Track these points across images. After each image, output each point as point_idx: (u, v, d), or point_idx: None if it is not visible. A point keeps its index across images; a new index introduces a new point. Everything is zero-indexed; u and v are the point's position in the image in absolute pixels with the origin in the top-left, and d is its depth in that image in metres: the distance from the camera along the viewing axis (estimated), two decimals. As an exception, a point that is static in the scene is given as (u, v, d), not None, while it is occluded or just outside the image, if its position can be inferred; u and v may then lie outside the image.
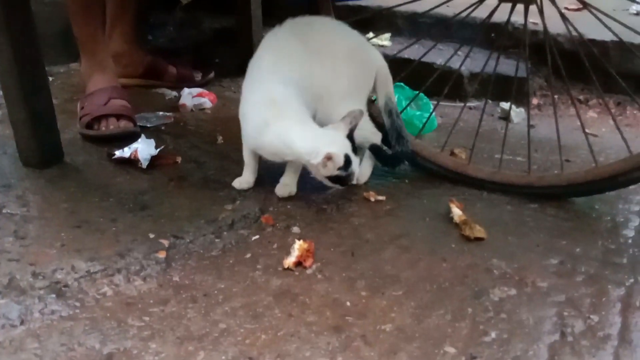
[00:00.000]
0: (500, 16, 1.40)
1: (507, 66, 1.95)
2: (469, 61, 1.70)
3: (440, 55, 1.95)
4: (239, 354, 0.88)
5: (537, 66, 1.98)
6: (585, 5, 1.28)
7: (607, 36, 1.24)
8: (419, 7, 2.06)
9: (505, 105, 1.87)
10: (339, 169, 1.18)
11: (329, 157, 1.16)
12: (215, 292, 1.01)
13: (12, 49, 1.25)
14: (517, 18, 1.36)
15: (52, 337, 0.89)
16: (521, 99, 1.92)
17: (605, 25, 1.26)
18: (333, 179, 1.21)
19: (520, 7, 1.32)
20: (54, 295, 0.97)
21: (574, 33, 1.33)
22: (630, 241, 1.21)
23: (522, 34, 1.91)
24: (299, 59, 1.28)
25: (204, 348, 0.89)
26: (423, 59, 1.86)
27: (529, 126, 1.44)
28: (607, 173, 1.27)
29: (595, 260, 1.14)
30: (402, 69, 1.58)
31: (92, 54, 1.71)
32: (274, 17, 2.12)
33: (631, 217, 1.30)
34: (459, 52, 2.03)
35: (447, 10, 1.79)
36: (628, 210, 1.32)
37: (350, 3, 2.17)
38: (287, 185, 1.31)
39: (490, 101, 1.94)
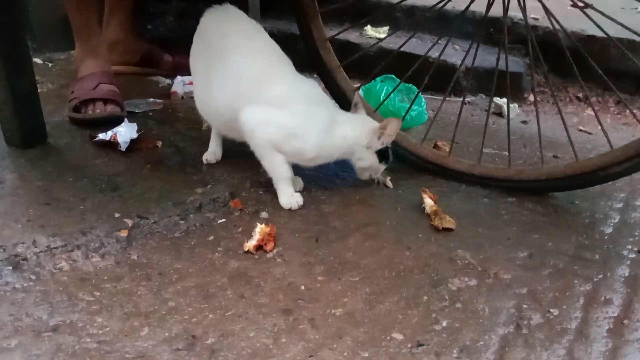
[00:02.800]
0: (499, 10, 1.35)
1: (503, 61, 1.93)
2: (464, 55, 1.67)
3: (437, 49, 1.93)
4: (183, 332, 0.88)
5: (535, 62, 1.94)
6: (586, 5, 1.23)
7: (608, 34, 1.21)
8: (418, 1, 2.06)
9: (499, 100, 1.83)
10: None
11: (383, 127, 1.21)
12: (171, 271, 1.01)
13: (-5, 29, 1.27)
14: (517, 13, 1.33)
15: (2, 307, 0.90)
16: (517, 95, 1.89)
17: (597, 25, 1.21)
18: (381, 153, 1.24)
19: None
20: (10, 268, 0.98)
21: (558, 27, 1.29)
22: (606, 237, 1.18)
23: (521, 29, 1.90)
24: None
25: (149, 324, 0.89)
26: (416, 52, 1.86)
27: (509, 118, 1.41)
28: (587, 168, 1.23)
29: (565, 255, 1.11)
30: (397, 63, 1.56)
31: (86, 39, 1.73)
32: (272, 9, 2.15)
33: (611, 214, 1.26)
34: (455, 47, 2.02)
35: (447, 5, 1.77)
36: (609, 207, 1.29)
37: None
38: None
39: (484, 96, 1.93)
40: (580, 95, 1.92)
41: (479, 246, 1.12)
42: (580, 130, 1.72)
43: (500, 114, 1.82)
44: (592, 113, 1.87)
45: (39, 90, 1.76)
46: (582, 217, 1.25)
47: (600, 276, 1.05)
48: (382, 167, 1.29)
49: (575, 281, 1.03)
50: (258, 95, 1.19)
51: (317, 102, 1.22)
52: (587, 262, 1.09)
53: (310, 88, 1.24)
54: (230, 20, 1.27)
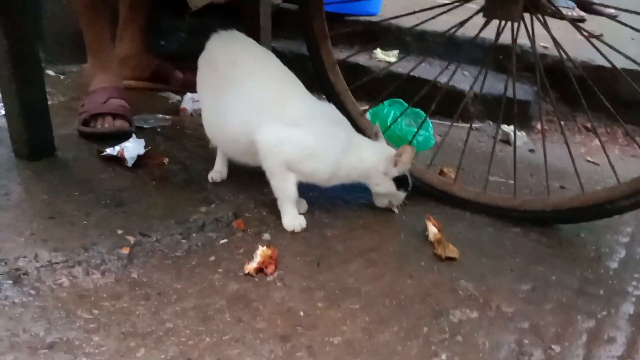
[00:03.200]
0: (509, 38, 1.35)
1: (511, 89, 1.93)
2: (472, 81, 1.67)
3: (446, 74, 1.94)
4: (179, 354, 0.87)
5: (543, 91, 1.94)
6: (592, 35, 1.23)
7: (618, 64, 1.20)
8: (429, 27, 2.07)
9: (507, 128, 1.83)
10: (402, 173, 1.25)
11: (399, 155, 1.22)
12: (170, 291, 1.01)
13: (7, 41, 1.29)
14: (527, 41, 1.33)
15: (0, 322, 0.90)
16: (525, 123, 1.89)
17: (604, 56, 1.21)
18: (399, 181, 1.26)
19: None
20: (10, 282, 0.98)
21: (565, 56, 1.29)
22: (611, 272, 1.16)
23: (530, 57, 1.91)
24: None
25: (145, 345, 0.88)
26: (424, 77, 1.86)
27: (515, 147, 1.40)
28: (593, 200, 1.22)
29: (569, 289, 1.10)
30: (406, 87, 1.57)
31: (98, 53, 1.74)
32: (282, 27, 2.17)
33: (617, 249, 1.25)
34: (465, 73, 2.02)
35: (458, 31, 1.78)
36: (615, 241, 1.27)
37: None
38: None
39: (491, 123, 1.92)
40: (588, 125, 1.91)
41: (482, 277, 1.11)
42: (588, 160, 1.72)
43: (507, 142, 1.82)
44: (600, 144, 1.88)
45: (49, 102, 1.77)
46: (587, 250, 1.24)
47: (604, 313, 1.04)
48: (402, 194, 1.29)
49: (579, 317, 1.02)
50: (276, 117, 1.19)
51: (335, 124, 1.23)
52: (591, 297, 1.08)
53: (328, 109, 1.26)
54: (239, 46, 1.28)
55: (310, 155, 1.18)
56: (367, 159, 1.24)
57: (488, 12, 1.17)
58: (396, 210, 1.33)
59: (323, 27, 1.46)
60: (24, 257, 1.05)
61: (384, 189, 1.27)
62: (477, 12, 1.24)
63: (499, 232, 1.28)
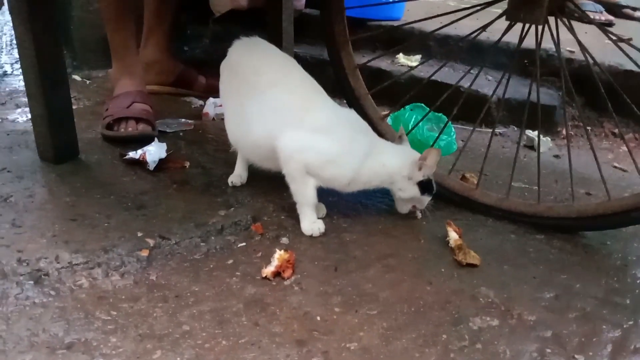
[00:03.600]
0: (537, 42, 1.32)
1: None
2: (496, 86, 1.64)
3: (469, 79, 1.91)
4: (195, 357, 0.87)
5: (569, 96, 1.90)
6: (621, 39, 1.20)
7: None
8: (452, 31, 2.05)
9: (531, 133, 1.80)
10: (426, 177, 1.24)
11: (424, 157, 1.21)
12: (188, 294, 1.01)
13: (34, 46, 1.31)
14: (553, 45, 1.30)
15: (20, 322, 0.91)
16: (550, 128, 1.85)
17: (633, 60, 1.17)
18: (424, 185, 1.24)
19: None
20: (32, 282, 1.00)
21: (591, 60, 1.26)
22: (638, 281, 1.13)
23: (555, 62, 1.87)
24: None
25: (162, 347, 0.88)
26: (447, 82, 1.84)
27: (539, 152, 1.37)
28: (619, 207, 1.19)
29: (594, 298, 1.07)
30: (428, 91, 1.55)
31: (122, 59, 1.77)
32: (305, 33, 2.17)
33: (645, 257, 1.21)
34: (489, 77, 2.00)
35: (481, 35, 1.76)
36: (643, 250, 1.24)
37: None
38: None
39: (515, 128, 1.89)
40: (616, 130, 1.87)
41: (504, 284, 1.09)
42: (615, 167, 1.67)
43: (532, 147, 1.78)
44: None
45: (75, 107, 1.82)
46: (613, 258, 1.20)
47: (631, 322, 1.00)
48: (427, 199, 1.27)
49: (604, 326, 0.99)
50: (298, 123, 1.19)
51: (356, 129, 1.23)
52: (617, 306, 1.05)
53: (350, 115, 1.26)
54: (261, 53, 1.28)
55: (331, 161, 1.18)
56: (390, 163, 1.22)
57: (511, 15, 1.15)
58: (419, 215, 1.31)
59: (344, 32, 1.45)
60: (46, 258, 1.06)
61: (408, 194, 1.25)
62: (500, 16, 1.22)
63: (521, 239, 1.26)
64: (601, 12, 2.55)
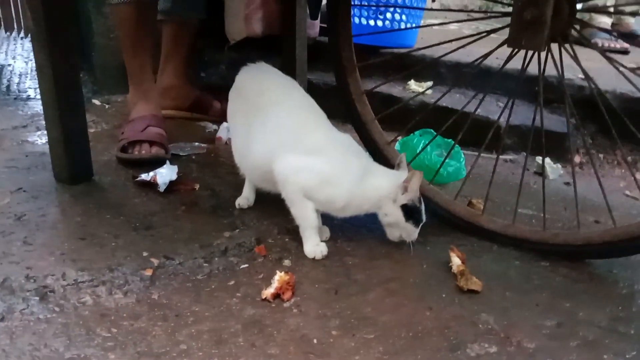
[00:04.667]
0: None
1: (548, 120, 1.89)
2: (500, 112, 1.65)
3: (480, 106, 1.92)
4: (190, 376, 0.88)
5: (582, 123, 1.89)
6: (631, 69, 1.20)
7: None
8: (463, 57, 2.07)
9: (541, 160, 1.79)
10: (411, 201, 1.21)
11: (407, 180, 1.20)
12: (188, 313, 1.03)
13: (53, 71, 1.37)
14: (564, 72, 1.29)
15: (24, 337, 0.94)
16: (561, 155, 1.84)
17: (638, 89, 1.17)
18: (409, 212, 1.21)
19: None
20: (37, 298, 1.03)
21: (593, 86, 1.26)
22: (644, 311, 1.10)
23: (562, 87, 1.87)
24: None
25: (158, 365, 0.90)
26: (457, 108, 1.85)
27: (544, 179, 1.37)
28: (625, 234, 1.17)
29: (597, 326, 1.05)
30: (438, 117, 1.56)
31: (139, 84, 1.83)
32: (319, 60, 2.21)
33: (652, 286, 1.18)
34: (499, 104, 2.00)
35: (488, 61, 1.77)
36: (651, 279, 1.21)
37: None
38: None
39: (525, 154, 1.88)
40: (629, 158, 1.85)
41: (505, 311, 1.08)
42: (627, 195, 1.65)
43: (542, 174, 1.77)
44: (641, 178, 1.81)
45: (93, 130, 1.88)
46: (619, 287, 1.18)
47: (634, 353, 0.98)
48: (412, 228, 1.24)
49: (605, 356, 0.97)
50: (294, 145, 1.22)
51: (350, 152, 1.24)
52: (621, 335, 1.03)
53: (345, 139, 1.27)
54: (265, 77, 1.32)
55: (325, 182, 1.19)
56: (380, 187, 1.22)
57: (512, 42, 1.16)
58: (411, 247, 1.27)
59: (351, 58, 1.48)
60: (53, 275, 1.09)
61: (392, 219, 1.23)
62: (502, 44, 1.23)
63: (526, 265, 1.24)
64: (616, 40, 2.54)
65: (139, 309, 1.03)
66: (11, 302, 1.01)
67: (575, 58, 1.22)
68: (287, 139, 1.22)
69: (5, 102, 2.24)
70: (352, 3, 1.52)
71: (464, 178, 1.64)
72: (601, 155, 1.87)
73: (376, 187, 1.22)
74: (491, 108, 1.96)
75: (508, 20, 1.19)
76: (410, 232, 1.25)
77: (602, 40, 2.56)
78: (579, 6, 1.23)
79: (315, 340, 0.98)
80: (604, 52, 1.24)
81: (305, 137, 1.22)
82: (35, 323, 0.97)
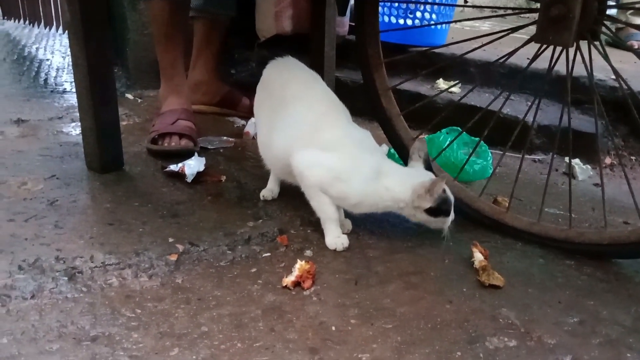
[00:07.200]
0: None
1: (579, 121, 1.86)
2: (538, 113, 1.63)
3: (509, 105, 1.90)
4: (210, 357, 0.90)
5: (614, 124, 1.86)
6: None
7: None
8: (492, 56, 2.06)
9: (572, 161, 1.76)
10: (437, 198, 1.19)
11: (425, 187, 1.18)
12: (210, 297, 1.05)
13: (87, 63, 1.41)
14: (597, 73, 1.24)
15: (52, 314, 0.97)
16: (592, 156, 1.81)
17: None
18: (434, 211, 1.21)
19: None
20: (66, 278, 1.06)
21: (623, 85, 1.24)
22: (671, 312, 1.08)
23: (599, 89, 1.84)
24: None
25: (180, 345, 0.92)
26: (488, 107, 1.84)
27: (570, 176, 1.34)
28: (653, 235, 1.15)
29: (621, 325, 1.03)
30: (466, 116, 1.55)
31: (170, 78, 1.87)
32: (348, 58, 2.22)
33: (680, 288, 1.16)
34: (529, 103, 1.98)
35: (519, 61, 1.75)
36: (680, 280, 1.19)
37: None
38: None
39: (556, 155, 1.86)
40: (662, 160, 1.81)
41: (526, 307, 1.07)
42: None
43: (572, 175, 1.75)
44: (676, 181, 1.76)
45: (125, 123, 1.93)
46: (646, 288, 1.16)
47: (658, 353, 0.96)
48: (443, 220, 1.23)
49: (628, 355, 0.95)
50: (311, 140, 1.23)
51: (365, 149, 1.24)
52: (645, 336, 1.01)
53: (362, 136, 1.27)
54: (290, 71, 1.34)
55: (337, 178, 1.20)
56: (393, 187, 1.21)
57: (540, 37, 1.15)
58: (445, 235, 1.28)
59: (378, 54, 1.49)
60: (81, 257, 1.13)
61: (419, 220, 1.23)
62: (529, 40, 1.22)
63: (550, 263, 1.23)
64: (653, 42, 2.48)
65: (163, 292, 1.06)
66: (41, 281, 1.05)
67: (605, 56, 1.20)
68: (304, 133, 1.24)
69: (43, 94, 2.31)
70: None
71: (489, 176, 1.64)
72: (633, 158, 1.83)
73: (389, 188, 1.21)
74: (521, 107, 1.95)
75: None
76: (443, 224, 1.24)
77: (639, 42, 2.50)
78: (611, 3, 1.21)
79: (333, 328, 0.98)
80: (635, 51, 1.22)
81: (322, 132, 1.23)
82: (63, 302, 1.01)
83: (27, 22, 4.10)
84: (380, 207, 1.24)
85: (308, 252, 1.22)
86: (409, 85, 2.05)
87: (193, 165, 1.54)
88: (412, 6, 2.23)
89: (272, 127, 1.30)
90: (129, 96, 2.27)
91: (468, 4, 3.46)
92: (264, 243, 1.24)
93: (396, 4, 2.24)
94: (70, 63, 2.48)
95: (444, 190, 1.22)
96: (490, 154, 1.71)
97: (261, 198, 1.44)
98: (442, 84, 2.11)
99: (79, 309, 0.99)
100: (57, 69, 2.77)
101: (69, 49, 1.48)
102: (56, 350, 0.89)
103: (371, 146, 1.27)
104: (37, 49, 3.34)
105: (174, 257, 1.16)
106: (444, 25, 2.32)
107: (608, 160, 1.82)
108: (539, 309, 1.07)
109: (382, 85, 1.49)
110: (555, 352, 0.95)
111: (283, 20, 2.11)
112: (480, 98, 1.99)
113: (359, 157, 1.22)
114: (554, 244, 1.27)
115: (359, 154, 1.22)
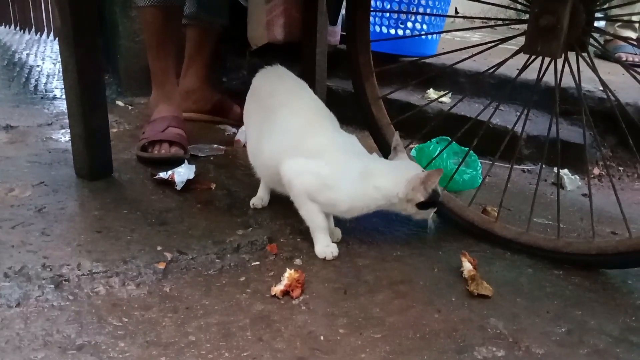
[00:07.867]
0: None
1: (568, 132, 1.88)
2: (527, 124, 1.64)
3: (498, 115, 1.91)
4: (197, 366, 0.89)
5: (602, 135, 1.87)
6: None
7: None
8: (482, 67, 2.07)
9: (560, 171, 1.77)
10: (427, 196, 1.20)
11: (426, 180, 1.19)
12: (198, 306, 1.04)
13: (77, 69, 1.41)
14: (585, 84, 1.26)
15: (38, 322, 0.96)
16: (580, 167, 1.82)
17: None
18: (424, 203, 1.21)
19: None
20: (52, 286, 1.05)
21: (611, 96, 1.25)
22: (657, 322, 1.09)
23: (588, 101, 1.86)
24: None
25: (166, 355, 0.91)
26: (478, 117, 1.85)
27: (558, 187, 1.35)
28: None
29: (609, 335, 1.03)
30: (456, 126, 1.56)
31: (161, 85, 1.87)
32: (339, 67, 2.23)
33: (667, 298, 1.16)
34: (519, 114, 1.99)
35: (509, 71, 1.76)
36: (666, 291, 1.19)
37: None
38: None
39: (545, 165, 1.87)
40: (650, 172, 1.83)
41: (514, 316, 1.07)
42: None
43: (562, 186, 1.76)
44: (663, 191, 1.78)
45: (115, 130, 1.92)
46: (633, 297, 1.17)
47: (645, 363, 0.97)
48: (430, 212, 1.25)
49: (616, 365, 0.96)
50: (298, 148, 1.23)
51: (351, 154, 1.24)
52: (633, 346, 1.01)
53: (348, 141, 1.27)
54: (278, 79, 1.34)
55: (325, 185, 1.20)
56: (383, 185, 1.21)
57: (528, 48, 1.16)
58: (430, 228, 1.30)
59: (369, 63, 1.49)
60: (68, 265, 1.12)
61: (409, 212, 1.24)
62: (518, 51, 1.23)
63: (538, 273, 1.23)
64: (641, 55, 2.51)
65: (150, 301, 1.05)
66: (27, 288, 1.04)
67: (592, 67, 1.21)
68: (291, 142, 1.24)
69: (32, 101, 2.30)
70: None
71: (479, 186, 1.64)
72: (621, 168, 1.85)
73: (379, 187, 1.21)
74: (510, 117, 1.96)
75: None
76: (429, 215, 1.26)
77: (627, 54, 2.53)
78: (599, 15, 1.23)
79: (322, 337, 0.98)
80: (625, 64, 1.23)
81: (308, 139, 1.23)
82: (49, 310, 1.00)
83: (18, 27, 4.09)
84: (372, 207, 1.24)
85: (297, 261, 1.21)
86: (399, 95, 2.06)
87: (183, 173, 1.54)
88: (403, 16, 2.25)
89: (261, 135, 1.30)
90: (120, 103, 2.27)
91: (459, 14, 3.50)
92: (253, 251, 1.24)
93: (387, 14, 2.26)
94: (61, 69, 2.49)
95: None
96: (479, 164, 1.71)
97: (251, 206, 1.43)
98: (432, 93, 2.12)
99: (65, 317, 0.98)
100: (48, 75, 2.76)
101: (59, 56, 1.47)
102: (41, 359, 0.88)
103: (357, 150, 1.27)
104: (28, 55, 3.33)
105: (162, 266, 1.15)
106: (434, 35, 2.34)
107: (596, 171, 1.84)
108: (527, 319, 1.07)
109: (372, 94, 1.49)
110: (543, 362, 0.95)
111: (275, 28, 2.12)
112: (470, 108, 2.00)
113: (345, 162, 1.22)
114: (543, 253, 1.28)
115: (344, 158, 1.22)
